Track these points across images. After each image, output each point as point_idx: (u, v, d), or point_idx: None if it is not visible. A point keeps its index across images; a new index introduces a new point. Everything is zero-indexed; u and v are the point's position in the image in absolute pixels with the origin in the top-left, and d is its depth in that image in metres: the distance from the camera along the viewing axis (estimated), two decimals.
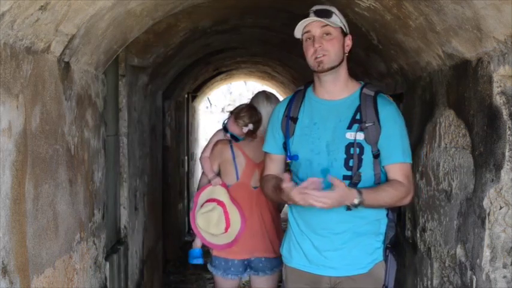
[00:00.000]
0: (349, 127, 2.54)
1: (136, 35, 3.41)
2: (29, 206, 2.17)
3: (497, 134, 2.31)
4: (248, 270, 3.71)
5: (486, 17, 2.18)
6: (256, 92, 4.02)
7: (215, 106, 17.83)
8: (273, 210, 3.73)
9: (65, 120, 2.61)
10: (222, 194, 3.63)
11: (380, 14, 3.16)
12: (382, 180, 2.59)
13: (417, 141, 3.43)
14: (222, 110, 17.95)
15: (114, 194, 4.16)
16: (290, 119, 2.64)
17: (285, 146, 2.68)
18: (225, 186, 3.68)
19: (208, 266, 3.79)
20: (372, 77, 4.53)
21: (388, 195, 2.52)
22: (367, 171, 2.54)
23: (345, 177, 2.52)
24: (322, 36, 2.52)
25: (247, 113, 3.68)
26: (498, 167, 2.30)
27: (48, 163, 2.37)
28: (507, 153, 2.25)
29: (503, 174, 2.27)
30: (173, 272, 7.15)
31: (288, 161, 2.65)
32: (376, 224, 2.64)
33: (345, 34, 2.59)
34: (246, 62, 8.96)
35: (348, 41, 2.60)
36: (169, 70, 6.04)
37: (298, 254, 2.66)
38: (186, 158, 9.74)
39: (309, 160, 2.58)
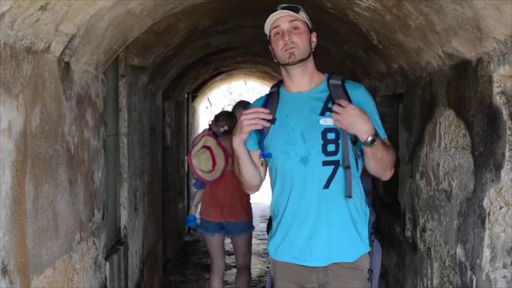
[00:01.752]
0: (322, 114, 2.60)
1: (136, 35, 3.41)
2: (29, 206, 2.17)
3: (497, 134, 2.31)
4: (223, 231, 5.00)
5: (486, 17, 2.18)
6: (237, 100, 5.56)
7: (215, 106, 17.84)
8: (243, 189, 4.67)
9: (65, 120, 2.61)
10: (210, 142, 4.88)
11: (380, 14, 3.16)
12: (359, 166, 2.65)
13: (417, 141, 3.43)
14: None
15: (114, 194, 4.16)
16: (267, 121, 2.67)
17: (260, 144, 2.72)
18: (213, 135, 4.94)
19: (199, 229, 5.27)
20: (372, 77, 4.53)
21: (390, 149, 2.57)
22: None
23: (324, 163, 2.56)
24: (291, 31, 2.60)
25: (224, 117, 5.01)
26: (498, 167, 2.30)
27: (48, 163, 2.37)
28: (507, 153, 2.25)
29: (503, 174, 2.28)
30: (173, 272, 7.15)
31: (261, 159, 2.69)
32: (361, 213, 2.66)
33: (310, 31, 2.67)
34: (246, 62, 8.97)
35: (314, 38, 2.69)
36: (169, 70, 6.04)
37: (285, 247, 2.68)
38: (186, 158, 9.75)
39: (286, 152, 2.62)
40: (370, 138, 2.44)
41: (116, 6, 2.65)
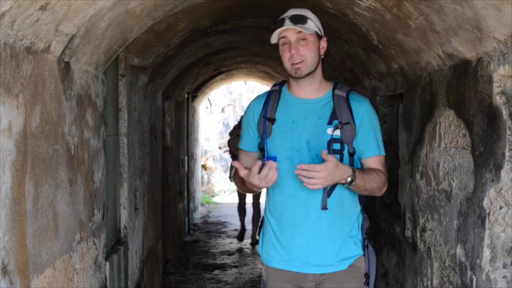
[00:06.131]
0: (329, 123, 2.60)
1: (137, 35, 3.41)
2: (29, 206, 2.17)
3: (497, 134, 2.31)
4: None
5: (486, 17, 2.18)
6: None
7: (215, 106, 17.83)
8: None
9: (65, 120, 2.61)
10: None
11: (380, 14, 3.16)
12: None
13: (417, 141, 3.43)
14: (222, 110, 17.96)
15: (114, 194, 4.16)
16: (267, 120, 2.66)
17: (261, 147, 2.71)
18: None
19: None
20: (372, 77, 4.53)
21: (374, 179, 2.57)
22: None
23: None
24: (298, 42, 2.57)
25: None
26: (498, 167, 2.30)
27: (48, 163, 2.37)
28: (507, 153, 2.25)
29: (503, 174, 2.28)
30: (173, 272, 7.15)
31: (265, 162, 2.67)
32: (356, 222, 2.69)
33: (320, 37, 2.64)
34: (246, 62, 8.97)
35: (323, 44, 2.66)
36: (169, 70, 6.04)
37: (279, 253, 2.67)
38: (186, 158, 9.75)
39: (289, 158, 2.62)
40: (349, 179, 2.47)
41: (115, 6, 2.65)
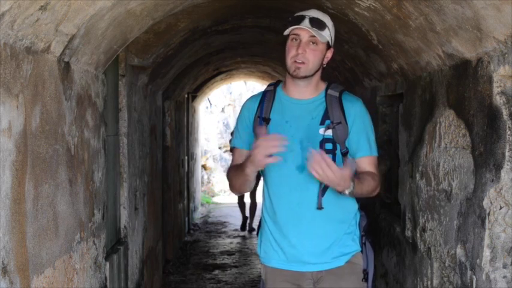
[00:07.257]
0: (322, 123, 2.61)
1: (137, 35, 3.41)
2: (29, 206, 2.17)
3: (497, 134, 2.31)
4: None
5: (486, 17, 2.18)
6: None
7: (215, 106, 17.82)
8: None
9: (65, 120, 2.61)
10: None
11: (380, 14, 3.17)
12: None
13: (417, 141, 3.44)
14: (222, 110, 17.95)
15: (114, 194, 4.16)
16: (262, 120, 2.67)
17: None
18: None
19: None
20: (372, 77, 4.54)
21: (370, 184, 2.59)
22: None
23: None
24: (308, 44, 2.58)
25: None
26: (498, 167, 2.30)
27: (48, 163, 2.37)
28: (507, 153, 2.25)
29: (503, 174, 2.28)
30: (173, 272, 7.15)
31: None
32: (353, 220, 2.70)
33: (329, 47, 2.65)
34: (246, 62, 8.97)
35: (329, 54, 2.67)
36: (169, 70, 6.04)
37: (277, 253, 2.69)
38: (186, 158, 9.75)
39: (283, 158, 2.60)
40: (346, 192, 2.46)
41: (115, 6, 2.65)
